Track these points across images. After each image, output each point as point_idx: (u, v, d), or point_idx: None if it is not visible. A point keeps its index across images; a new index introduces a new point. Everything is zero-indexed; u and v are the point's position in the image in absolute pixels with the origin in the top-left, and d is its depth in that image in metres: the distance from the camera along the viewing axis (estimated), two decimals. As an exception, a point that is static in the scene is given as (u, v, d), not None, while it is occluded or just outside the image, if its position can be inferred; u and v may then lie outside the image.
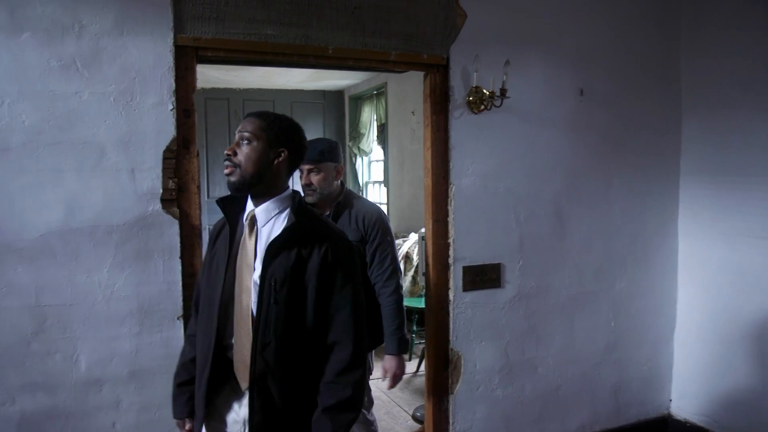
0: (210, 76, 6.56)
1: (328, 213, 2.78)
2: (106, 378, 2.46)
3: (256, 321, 1.79)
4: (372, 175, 8.11)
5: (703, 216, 3.59)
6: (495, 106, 3.04)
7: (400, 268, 2.90)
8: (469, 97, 3.03)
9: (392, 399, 4.45)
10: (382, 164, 7.56)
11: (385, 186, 7.40)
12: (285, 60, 2.78)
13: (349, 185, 8.17)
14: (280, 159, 1.84)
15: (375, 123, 7.51)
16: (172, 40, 2.48)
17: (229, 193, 1.87)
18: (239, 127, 1.84)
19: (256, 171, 1.80)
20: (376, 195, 7.95)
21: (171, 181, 2.51)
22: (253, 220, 1.86)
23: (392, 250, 2.84)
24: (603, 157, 3.46)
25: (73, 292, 2.40)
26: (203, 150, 7.12)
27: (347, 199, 2.85)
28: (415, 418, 4.12)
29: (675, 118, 3.66)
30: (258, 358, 1.78)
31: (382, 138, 7.32)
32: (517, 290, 3.27)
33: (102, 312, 2.45)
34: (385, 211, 7.35)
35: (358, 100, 7.94)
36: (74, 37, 2.34)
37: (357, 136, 7.78)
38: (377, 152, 7.71)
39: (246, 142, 1.81)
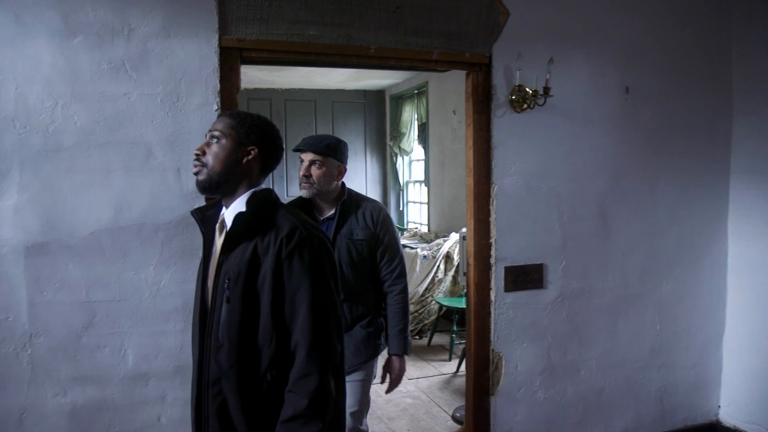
0: (253, 76, 6.66)
1: (332, 213, 2.69)
2: (153, 372, 2.52)
3: (209, 321, 1.72)
4: (412, 174, 8.11)
5: (755, 217, 3.48)
6: (538, 105, 3.00)
7: (405, 268, 2.82)
8: (512, 95, 3.00)
9: (432, 399, 4.45)
10: (422, 164, 7.55)
11: (425, 185, 7.40)
12: (327, 60, 2.80)
13: (389, 185, 8.20)
14: (250, 157, 1.77)
15: (416, 122, 7.52)
16: (217, 42, 2.52)
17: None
18: (210, 127, 1.80)
19: (223, 169, 1.74)
20: (417, 194, 7.95)
21: (215, 181, 2.56)
22: (222, 223, 1.81)
23: (400, 250, 2.78)
24: (649, 157, 3.39)
25: (121, 288, 2.47)
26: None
27: (353, 198, 2.75)
28: (454, 418, 4.10)
29: (725, 116, 3.56)
30: (211, 361, 1.70)
31: (423, 137, 7.32)
32: (559, 291, 3.23)
33: (148, 308, 2.51)
34: (426, 211, 7.39)
35: (399, 100, 7.95)
36: (123, 40, 2.41)
37: (397, 135, 7.79)
38: (418, 152, 7.71)
39: (215, 140, 1.76)
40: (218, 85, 2.53)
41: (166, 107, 2.47)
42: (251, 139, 1.77)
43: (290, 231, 1.68)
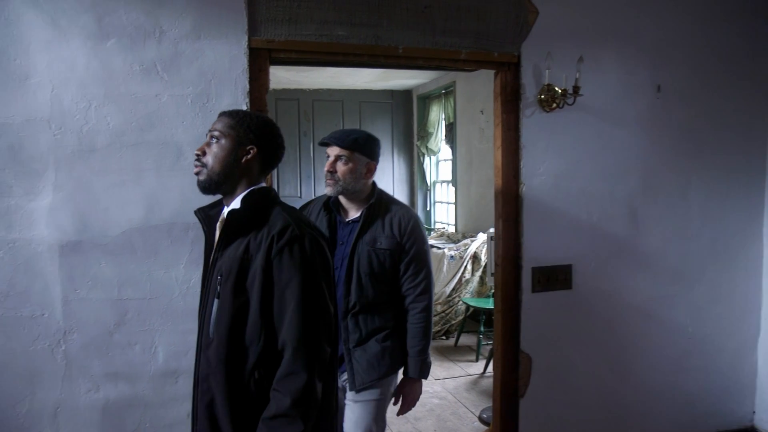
0: (281, 77, 6.71)
1: (357, 216, 2.47)
2: (182, 370, 2.55)
3: (201, 317, 1.74)
4: (439, 174, 8.09)
5: (792, 218, 3.40)
6: (567, 104, 2.97)
7: (433, 283, 2.55)
8: (541, 95, 2.98)
9: (458, 400, 4.43)
10: (449, 164, 7.53)
11: (453, 185, 7.37)
12: (356, 60, 2.81)
13: (417, 185, 8.19)
14: (249, 156, 1.76)
15: (443, 122, 7.50)
16: (247, 43, 2.54)
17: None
18: (210, 127, 1.80)
19: (222, 169, 1.74)
20: (444, 195, 7.93)
21: (244, 180, 2.58)
22: (223, 221, 1.81)
23: (428, 263, 2.52)
24: (681, 156, 3.33)
25: (152, 286, 2.51)
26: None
27: (382, 202, 2.51)
28: (481, 419, 4.08)
29: (760, 114, 3.48)
30: (202, 357, 1.70)
31: (451, 137, 7.29)
32: (588, 292, 3.19)
33: (178, 306, 2.54)
34: (453, 211, 7.37)
35: (426, 99, 7.94)
36: (155, 42, 2.44)
37: (425, 135, 7.78)
38: (445, 152, 7.68)
39: (215, 140, 1.76)
40: (247, 86, 2.55)
41: (197, 108, 2.50)
42: (250, 138, 1.76)
43: (282, 228, 1.66)
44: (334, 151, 2.41)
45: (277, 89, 7.34)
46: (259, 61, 2.59)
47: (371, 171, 2.47)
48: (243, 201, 1.74)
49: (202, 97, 2.51)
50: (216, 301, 1.68)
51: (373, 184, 2.53)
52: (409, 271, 2.46)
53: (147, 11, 2.43)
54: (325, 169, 2.43)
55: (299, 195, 7.62)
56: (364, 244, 2.41)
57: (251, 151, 1.76)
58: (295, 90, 7.71)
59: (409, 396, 2.53)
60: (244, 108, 2.54)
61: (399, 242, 2.43)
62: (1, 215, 2.34)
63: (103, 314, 2.46)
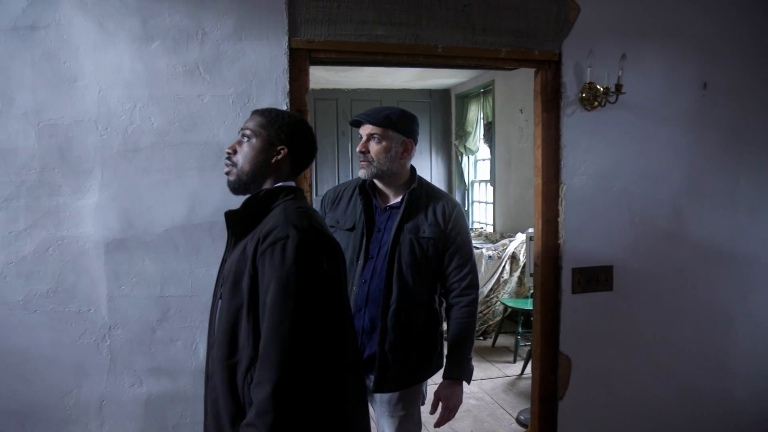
0: (319, 77, 6.76)
1: (398, 201, 2.31)
2: (223, 366, 2.59)
3: (210, 316, 1.76)
4: (478, 174, 8.04)
5: None
6: (609, 103, 2.92)
7: (478, 277, 2.40)
8: (582, 93, 2.93)
9: (495, 401, 4.40)
10: (488, 163, 7.48)
11: (491, 185, 7.32)
12: (395, 60, 2.81)
13: (455, 184, 8.15)
14: (279, 157, 1.73)
15: (482, 121, 7.45)
16: (287, 44, 2.57)
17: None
18: (243, 124, 1.78)
19: (251, 169, 1.72)
20: (482, 194, 7.88)
21: (284, 180, 2.60)
22: None
23: (473, 255, 2.36)
24: (728, 155, 3.24)
25: (194, 284, 2.55)
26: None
27: (423, 188, 2.35)
28: (519, 421, 4.05)
29: (813, 112, 3.36)
30: (209, 355, 1.70)
31: (489, 136, 7.25)
32: (629, 294, 3.13)
33: (219, 303, 2.58)
34: (491, 211, 7.31)
35: (465, 99, 7.90)
36: (197, 44, 2.48)
37: (463, 134, 7.74)
38: (483, 151, 7.64)
39: (246, 139, 1.74)
40: (288, 86, 2.58)
41: (238, 108, 2.54)
42: (281, 138, 1.73)
43: (269, 229, 1.59)
44: (366, 129, 2.26)
45: (315, 89, 7.39)
46: (299, 61, 2.62)
47: (408, 151, 2.30)
48: (245, 201, 1.71)
49: (243, 97, 2.54)
50: (219, 301, 1.68)
51: (412, 168, 2.39)
52: (454, 263, 2.31)
53: (190, 13, 2.47)
54: (358, 149, 2.29)
55: (337, 194, 7.66)
56: (407, 232, 2.26)
57: (281, 152, 1.73)
58: (334, 90, 7.75)
59: (450, 401, 2.33)
60: (285, 107, 2.56)
61: (444, 231, 2.28)
62: (50, 213, 2.41)
63: (146, 311, 2.52)
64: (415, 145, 2.33)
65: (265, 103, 2.55)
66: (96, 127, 2.42)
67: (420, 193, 2.33)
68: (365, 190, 2.36)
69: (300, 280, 1.52)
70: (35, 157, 2.38)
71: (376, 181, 2.34)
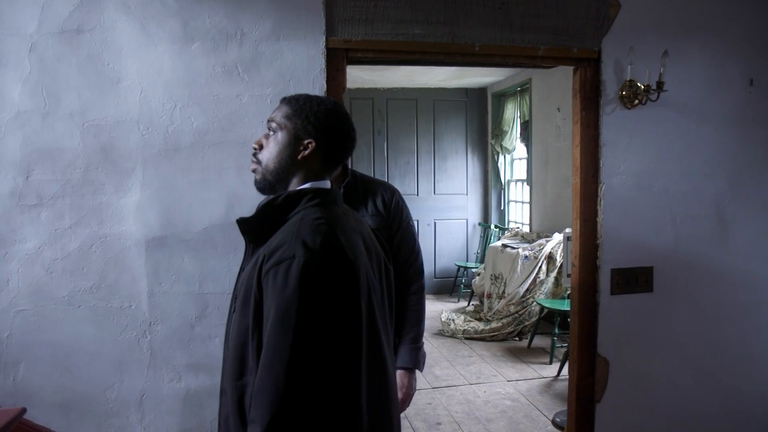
0: (355, 76, 6.78)
1: None
2: (260, 363, 2.62)
3: (225, 330, 1.56)
4: (514, 173, 7.98)
5: None
6: (650, 101, 2.87)
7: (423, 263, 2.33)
8: (622, 91, 2.88)
9: (531, 402, 4.36)
10: (524, 162, 7.41)
11: (527, 184, 7.26)
12: (432, 59, 2.80)
13: (491, 183, 8.10)
14: (307, 152, 1.49)
15: (518, 120, 7.39)
16: (324, 43, 2.58)
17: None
18: (270, 114, 1.57)
19: (275, 168, 1.51)
20: (518, 194, 7.81)
21: (321, 179, 2.62)
22: None
23: (418, 241, 2.28)
24: (775, 154, 3.15)
25: (232, 281, 2.57)
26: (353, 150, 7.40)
27: (359, 181, 2.26)
28: (555, 423, 4.00)
29: None
30: (223, 371, 1.52)
31: (526, 135, 7.18)
32: (670, 296, 3.06)
33: (257, 301, 2.61)
34: (528, 211, 7.24)
35: (501, 97, 7.85)
36: (236, 45, 2.52)
37: (499, 133, 7.69)
38: (520, 150, 7.57)
39: (271, 133, 1.53)
40: (325, 86, 2.59)
41: (275, 108, 2.56)
42: (308, 130, 1.50)
43: (277, 245, 1.36)
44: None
45: (351, 88, 7.42)
46: (336, 61, 2.63)
47: None
48: (261, 207, 1.49)
49: (280, 97, 2.55)
50: (232, 315, 1.48)
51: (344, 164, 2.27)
52: (401, 252, 2.24)
53: (229, 14, 2.50)
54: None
55: (373, 193, 7.68)
56: None
57: (309, 146, 1.50)
58: (370, 89, 7.77)
59: (404, 390, 2.21)
60: (321, 107, 2.57)
61: (387, 220, 2.23)
62: (94, 211, 2.47)
63: (185, 307, 2.56)
64: None
65: (303, 103, 2.56)
66: (138, 127, 2.47)
67: (355, 186, 2.26)
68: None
69: (302, 310, 1.29)
70: (80, 157, 2.45)
71: None
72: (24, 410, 1.73)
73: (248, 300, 1.37)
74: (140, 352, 2.55)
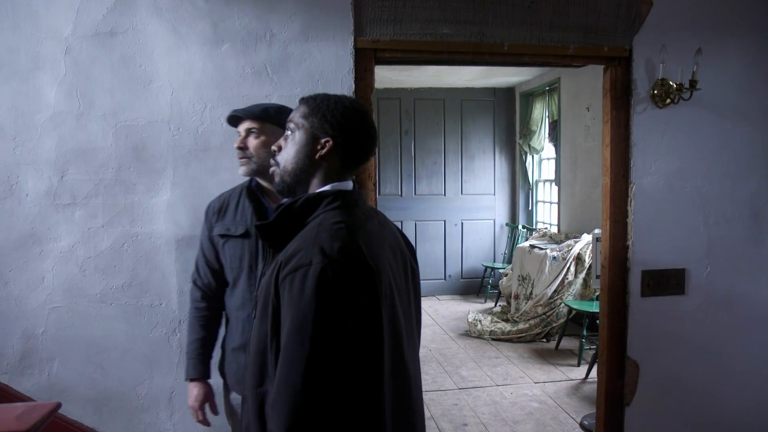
0: (383, 76, 6.78)
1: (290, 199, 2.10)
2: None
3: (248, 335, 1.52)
4: (542, 173, 7.91)
5: None
6: (683, 100, 2.82)
7: None
8: (654, 90, 2.84)
9: (558, 404, 4.31)
10: (553, 162, 7.34)
11: (556, 185, 7.18)
12: (460, 58, 2.79)
13: (519, 183, 8.04)
14: (324, 152, 1.43)
15: (547, 120, 7.32)
16: (352, 44, 2.59)
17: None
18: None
19: (293, 169, 1.45)
20: (547, 194, 7.74)
21: (348, 179, 2.63)
22: None
23: None
24: (812, 154, 3.07)
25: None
26: (376, 149, 7.39)
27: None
28: (582, 426, 3.95)
29: None
30: (244, 376, 1.46)
31: (554, 135, 7.11)
32: (703, 299, 3.01)
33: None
34: (556, 211, 7.17)
35: (530, 97, 7.78)
36: (265, 46, 2.54)
37: (527, 133, 7.62)
38: (548, 150, 7.50)
39: (289, 132, 1.48)
40: (353, 86, 2.60)
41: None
42: (325, 128, 1.44)
43: (294, 250, 1.31)
44: (244, 125, 2.10)
45: (378, 88, 7.41)
46: (365, 61, 2.63)
47: None
48: (279, 211, 1.42)
49: (309, 97, 2.58)
50: (253, 320, 1.44)
51: None
52: None
53: (258, 16, 2.53)
54: (236, 145, 2.09)
55: (400, 194, 7.67)
56: None
57: (327, 144, 1.44)
58: (397, 89, 7.76)
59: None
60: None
61: None
62: (125, 210, 2.51)
63: (214, 305, 2.59)
64: None
65: (331, 103, 2.57)
66: (168, 128, 2.51)
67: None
68: (252, 191, 2.15)
69: (319, 319, 1.23)
70: (112, 157, 2.49)
71: (260, 180, 2.14)
72: (59, 405, 1.76)
73: (267, 306, 1.33)
74: (170, 350, 2.58)
